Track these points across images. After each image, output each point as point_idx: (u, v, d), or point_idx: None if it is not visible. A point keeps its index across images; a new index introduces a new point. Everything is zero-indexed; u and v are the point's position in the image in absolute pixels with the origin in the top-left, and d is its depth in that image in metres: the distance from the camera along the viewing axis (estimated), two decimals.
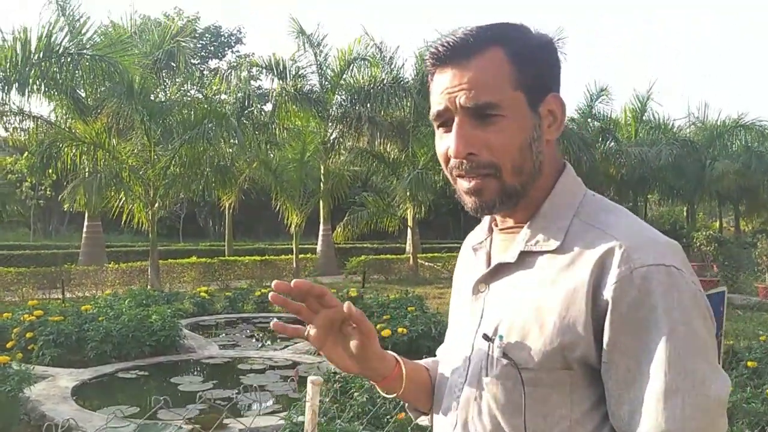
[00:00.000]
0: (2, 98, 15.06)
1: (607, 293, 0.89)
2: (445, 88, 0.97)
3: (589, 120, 24.30)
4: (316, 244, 22.18)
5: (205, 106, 16.68)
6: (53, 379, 6.86)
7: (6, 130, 18.34)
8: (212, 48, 33.28)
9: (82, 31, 16.25)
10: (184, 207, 28.44)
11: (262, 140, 20.16)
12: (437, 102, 0.99)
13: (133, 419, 5.24)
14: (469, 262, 1.15)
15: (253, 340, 9.90)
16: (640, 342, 0.88)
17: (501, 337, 0.96)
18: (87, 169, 15.91)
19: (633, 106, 25.30)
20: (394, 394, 1.13)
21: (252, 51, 48.94)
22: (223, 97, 23.83)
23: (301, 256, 19.64)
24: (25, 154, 21.87)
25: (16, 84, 14.28)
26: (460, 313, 1.11)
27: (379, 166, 19.67)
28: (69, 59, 14.82)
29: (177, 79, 22.05)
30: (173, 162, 15.17)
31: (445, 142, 1.00)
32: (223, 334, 10.07)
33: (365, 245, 23.98)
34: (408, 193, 17.37)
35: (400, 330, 7.90)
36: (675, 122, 27.19)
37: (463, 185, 1.00)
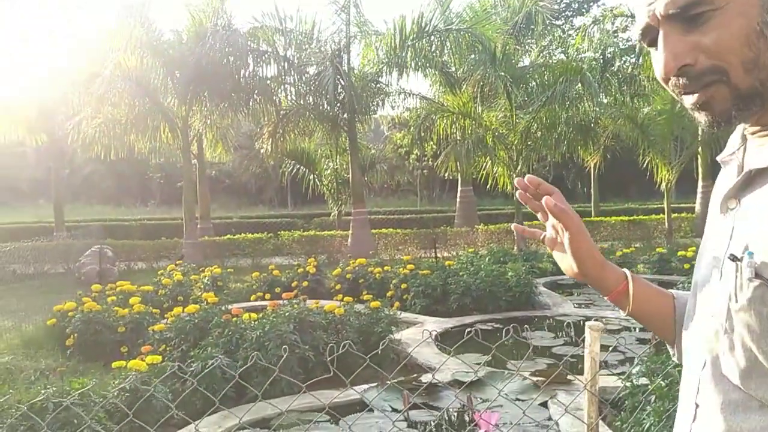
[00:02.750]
0: (387, 80, 17.19)
1: None
2: (641, 1, 0.84)
3: None
4: (695, 203, 20.24)
5: (563, 64, 16.42)
6: (421, 325, 7.67)
7: (393, 108, 20.83)
8: (575, 5, 32.47)
9: (450, 7, 17.45)
10: (551, 170, 28.63)
11: (628, 94, 19.03)
12: (639, 19, 0.86)
13: (484, 367, 5.62)
14: (720, 180, 0.95)
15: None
16: None
17: (751, 255, 0.78)
18: (457, 138, 17.14)
19: None
20: (625, 312, 1.08)
21: (619, 2, 46.37)
22: (588, 54, 23.13)
23: (674, 215, 18.13)
24: (409, 128, 24.55)
25: (395, 66, 16.15)
26: (709, 240, 0.92)
27: None
28: (438, 36, 16.12)
29: (542, 42, 22.13)
30: (534, 125, 15.37)
31: (658, 62, 0.84)
32: (581, 293, 9.94)
33: None
34: None
35: None
36: None
37: (688, 102, 0.84)
